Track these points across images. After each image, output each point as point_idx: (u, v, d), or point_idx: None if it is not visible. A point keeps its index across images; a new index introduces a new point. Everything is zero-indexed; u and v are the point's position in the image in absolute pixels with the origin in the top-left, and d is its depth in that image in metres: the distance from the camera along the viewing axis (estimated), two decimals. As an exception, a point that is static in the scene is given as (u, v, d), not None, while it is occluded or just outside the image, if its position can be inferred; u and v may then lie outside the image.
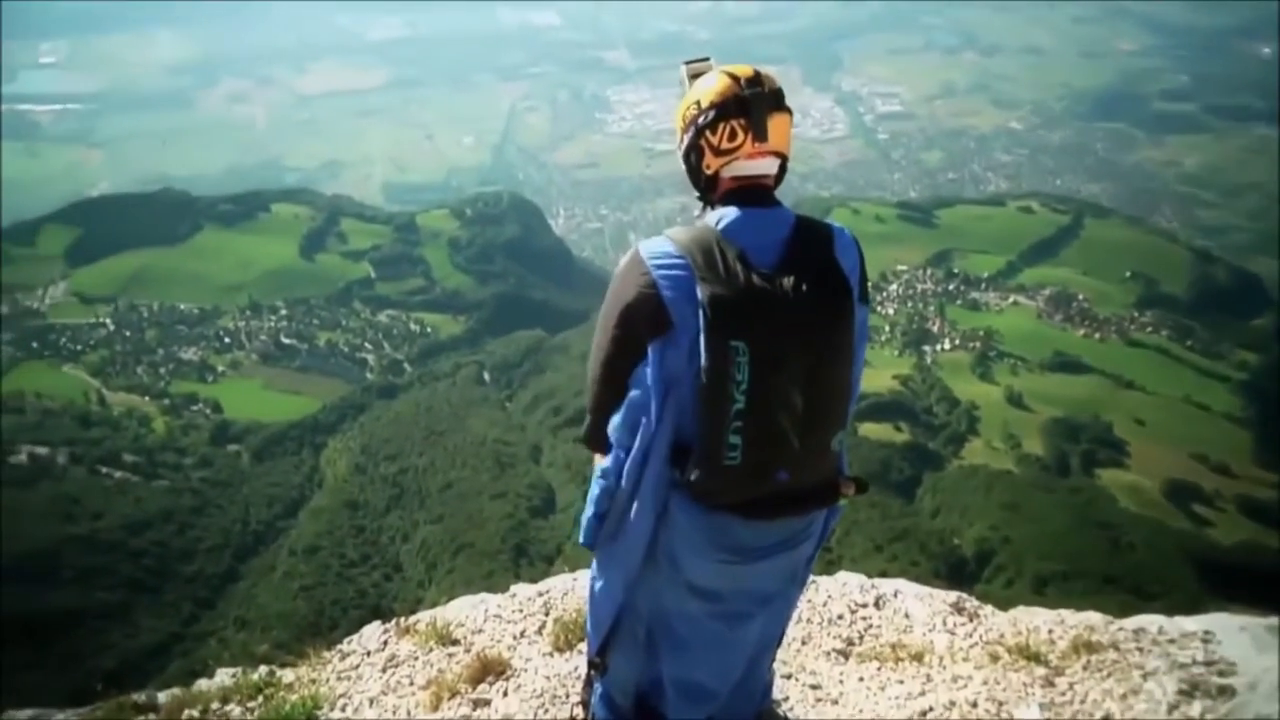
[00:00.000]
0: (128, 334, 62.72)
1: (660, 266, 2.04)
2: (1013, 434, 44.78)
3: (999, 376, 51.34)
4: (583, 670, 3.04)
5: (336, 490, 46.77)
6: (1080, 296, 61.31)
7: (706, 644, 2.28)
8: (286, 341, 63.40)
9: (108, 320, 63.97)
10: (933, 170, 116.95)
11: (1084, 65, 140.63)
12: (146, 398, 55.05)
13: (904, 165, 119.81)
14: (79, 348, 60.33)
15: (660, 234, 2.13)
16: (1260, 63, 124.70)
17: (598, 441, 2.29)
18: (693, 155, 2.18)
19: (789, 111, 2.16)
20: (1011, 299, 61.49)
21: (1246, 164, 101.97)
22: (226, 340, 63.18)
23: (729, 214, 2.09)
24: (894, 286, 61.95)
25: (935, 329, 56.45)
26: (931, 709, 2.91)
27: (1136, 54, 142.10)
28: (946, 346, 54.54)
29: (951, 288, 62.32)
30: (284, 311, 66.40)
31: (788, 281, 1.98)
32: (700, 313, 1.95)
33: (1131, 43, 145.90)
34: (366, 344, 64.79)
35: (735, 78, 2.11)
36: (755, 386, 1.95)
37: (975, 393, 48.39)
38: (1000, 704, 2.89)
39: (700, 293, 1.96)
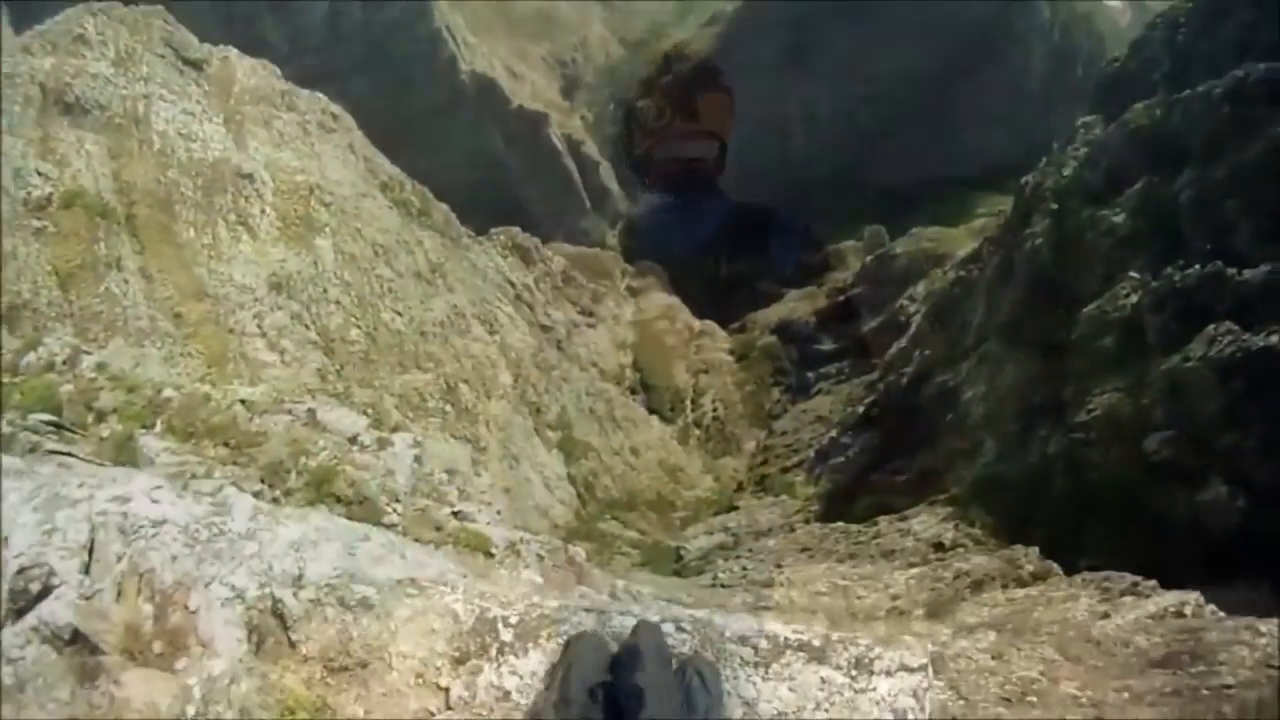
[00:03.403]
0: None
1: None
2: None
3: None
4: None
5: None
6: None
7: None
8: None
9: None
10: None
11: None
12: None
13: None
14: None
15: None
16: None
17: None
18: (622, 136, 2.08)
19: (725, 91, 2.00)
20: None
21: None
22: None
23: (655, 202, 1.99)
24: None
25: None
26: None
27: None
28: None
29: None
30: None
31: (706, 267, 2.04)
32: None
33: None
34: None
35: (664, 54, 2.02)
36: None
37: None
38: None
39: None
